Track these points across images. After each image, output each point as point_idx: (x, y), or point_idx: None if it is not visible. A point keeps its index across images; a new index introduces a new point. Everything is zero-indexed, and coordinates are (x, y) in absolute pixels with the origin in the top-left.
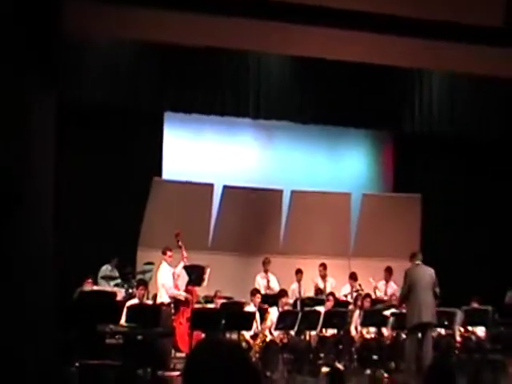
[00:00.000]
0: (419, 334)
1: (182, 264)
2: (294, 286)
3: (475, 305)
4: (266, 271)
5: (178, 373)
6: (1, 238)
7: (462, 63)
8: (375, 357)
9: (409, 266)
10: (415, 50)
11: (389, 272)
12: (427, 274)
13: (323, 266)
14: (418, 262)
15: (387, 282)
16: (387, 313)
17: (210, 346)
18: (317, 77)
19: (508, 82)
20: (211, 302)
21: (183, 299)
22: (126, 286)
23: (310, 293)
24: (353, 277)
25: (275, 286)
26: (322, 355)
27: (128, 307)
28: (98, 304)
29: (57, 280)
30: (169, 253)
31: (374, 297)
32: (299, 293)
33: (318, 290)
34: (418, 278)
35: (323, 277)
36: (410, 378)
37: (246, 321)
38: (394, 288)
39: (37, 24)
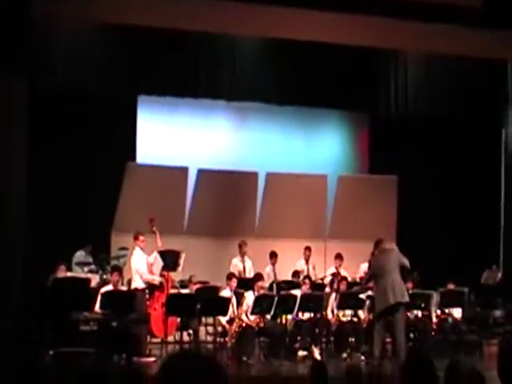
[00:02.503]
0: (389, 317)
1: (155, 253)
2: (269, 269)
3: (451, 286)
4: (242, 254)
5: (153, 359)
6: None
7: (438, 44)
8: (351, 340)
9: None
10: (390, 30)
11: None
12: (391, 256)
13: (308, 249)
14: (384, 246)
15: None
16: (363, 296)
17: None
18: (291, 58)
19: (484, 62)
20: (187, 286)
21: (158, 284)
22: (100, 271)
23: (286, 276)
24: (338, 258)
25: (251, 270)
26: (298, 339)
27: (102, 294)
28: (72, 291)
29: (29, 267)
30: (141, 237)
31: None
32: (274, 276)
33: (296, 273)
34: (383, 264)
35: (307, 260)
36: (377, 362)
37: (222, 306)
38: None
39: (5, 9)
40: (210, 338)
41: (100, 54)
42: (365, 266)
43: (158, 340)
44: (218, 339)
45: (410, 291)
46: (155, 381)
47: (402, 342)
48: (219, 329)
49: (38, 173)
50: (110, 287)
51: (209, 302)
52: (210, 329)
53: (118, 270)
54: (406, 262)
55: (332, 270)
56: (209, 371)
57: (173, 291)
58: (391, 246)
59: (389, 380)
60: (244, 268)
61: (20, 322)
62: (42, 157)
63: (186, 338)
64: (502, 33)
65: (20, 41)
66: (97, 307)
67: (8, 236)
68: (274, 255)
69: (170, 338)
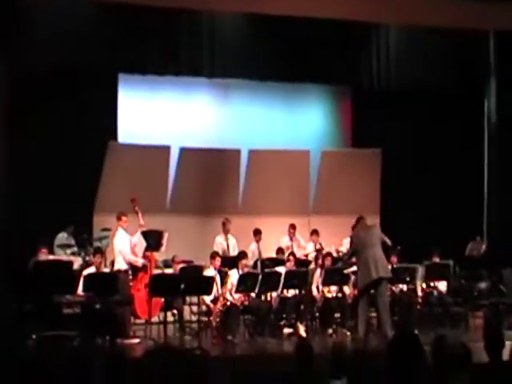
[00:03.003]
0: (372, 291)
1: (138, 233)
2: (253, 246)
3: (436, 259)
4: (225, 232)
5: (137, 340)
6: None
7: (419, 16)
8: (337, 315)
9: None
10: (371, 3)
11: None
12: (372, 232)
13: (293, 226)
14: (366, 222)
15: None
16: (348, 271)
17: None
18: (272, 33)
19: (466, 33)
20: (170, 266)
21: (141, 266)
22: (82, 253)
23: (271, 253)
24: (314, 234)
25: (235, 248)
26: (283, 316)
27: (85, 276)
28: (54, 274)
29: (10, 250)
30: (124, 218)
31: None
32: (259, 253)
33: (280, 250)
34: (364, 239)
35: (292, 237)
36: (362, 338)
37: (206, 285)
38: None
39: None
40: (194, 318)
41: (79, 32)
42: (347, 241)
43: (142, 321)
44: (202, 318)
45: (395, 265)
46: (139, 365)
47: (386, 317)
48: (203, 308)
49: (17, 153)
50: (92, 269)
51: (193, 281)
52: (195, 308)
53: (100, 252)
54: (387, 240)
55: (311, 245)
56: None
57: (156, 271)
58: (373, 222)
59: (375, 356)
60: (228, 246)
61: (1, 307)
62: (21, 137)
63: (170, 318)
64: (483, 4)
65: None
66: (79, 290)
67: None
68: (258, 232)
69: (155, 319)
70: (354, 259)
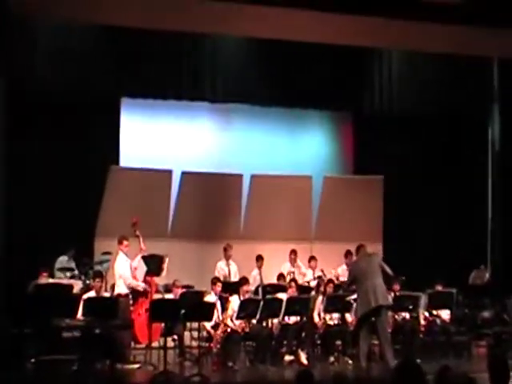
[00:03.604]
0: (372, 319)
1: (139, 257)
2: (255, 272)
3: (439, 288)
4: (227, 258)
5: (137, 365)
6: None
7: (422, 41)
8: (339, 343)
9: (355, 259)
10: (374, 28)
11: (350, 255)
12: (372, 260)
13: (294, 252)
14: (366, 252)
15: (348, 266)
16: (351, 298)
17: None
18: (274, 58)
19: (469, 59)
20: (171, 291)
21: (142, 290)
22: (83, 277)
23: (273, 279)
24: (312, 260)
25: (236, 274)
26: (284, 343)
27: (84, 300)
28: (54, 297)
29: (9, 273)
30: (125, 242)
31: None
32: (260, 280)
33: (282, 276)
34: (363, 269)
35: (293, 264)
36: (364, 366)
37: (207, 311)
38: None
39: None
40: (194, 343)
41: (82, 55)
42: (341, 269)
43: (143, 346)
44: (203, 344)
45: (397, 293)
46: None
47: (387, 346)
48: (204, 334)
49: (17, 176)
50: (92, 293)
51: (193, 307)
52: (195, 334)
53: (101, 276)
54: (388, 269)
55: (310, 272)
56: None
57: (157, 296)
58: (375, 249)
59: None
60: (229, 272)
61: (1, 330)
62: (22, 159)
63: (170, 343)
64: (485, 30)
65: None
66: (79, 314)
67: None
68: (259, 258)
69: (155, 344)
70: (354, 287)
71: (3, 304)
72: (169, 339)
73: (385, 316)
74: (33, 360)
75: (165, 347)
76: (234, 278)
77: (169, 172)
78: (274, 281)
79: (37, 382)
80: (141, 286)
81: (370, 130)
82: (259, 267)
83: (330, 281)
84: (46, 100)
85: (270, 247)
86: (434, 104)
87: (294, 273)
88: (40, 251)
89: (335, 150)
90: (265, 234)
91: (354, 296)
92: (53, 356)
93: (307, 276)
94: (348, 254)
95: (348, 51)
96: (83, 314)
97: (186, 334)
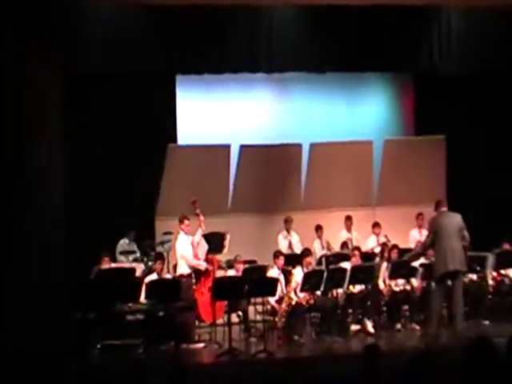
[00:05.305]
0: (449, 282)
1: (200, 231)
2: (316, 242)
3: (507, 247)
4: (288, 230)
5: (202, 344)
6: (6, 216)
7: None
8: (405, 309)
9: (434, 215)
10: None
11: (421, 218)
12: (453, 220)
13: (349, 218)
14: (443, 209)
15: (420, 228)
16: (416, 264)
17: None
18: (329, 24)
19: None
20: (233, 266)
21: (203, 269)
22: (145, 259)
23: (335, 248)
24: (376, 226)
25: (298, 246)
26: (350, 312)
27: (146, 283)
28: (117, 282)
29: (72, 259)
30: (186, 221)
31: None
32: (323, 249)
33: (344, 244)
34: (444, 226)
35: (349, 230)
36: (434, 332)
37: (270, 286)
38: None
39: None
40: (259, 317)
41: (135, 35)
42: (414, 232)
43: (207, 324)
44: (267, 318)
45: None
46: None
47: (459, 311)
48: (268, 308)
49: (75, 159)
50: (154, 276)
51: (256, 283)
52: (260, 308)
53: (161, 257)
54: (467, 235)
55: (373, 238)
56: None
57: (219, 273)
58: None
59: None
60: (291, 243)
61: (66, 317)
62: (80, 142)
63: (235, 319)
64: None
65: (54, 22)
66: (142, 297)
67: (48, 226)
68: (319, 228)
69: (219, 321)
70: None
71: (67, 291)
72: (233, 315)
73: (460, 281)
74: (98, 346)
75: (229, 324)
76: (296, 249)
77: (227, 147)
78: (338, 249)
79: (103, 367)
80: (202, 265)
81: (430, 90)
82: (319, 237)
83: (395, 246)
84: (102, 81)
85: (332, 215)
86: (494, 61)
87: (351, 240)
88: (101, 235)
89: (395, 112)
90: (326, 202)
91: (420, 261)
92: (118, 341)
93: (369, 242)
94: (419, 215)
95: (404, 10)
96: (146, 297)
97: (250, 308)
